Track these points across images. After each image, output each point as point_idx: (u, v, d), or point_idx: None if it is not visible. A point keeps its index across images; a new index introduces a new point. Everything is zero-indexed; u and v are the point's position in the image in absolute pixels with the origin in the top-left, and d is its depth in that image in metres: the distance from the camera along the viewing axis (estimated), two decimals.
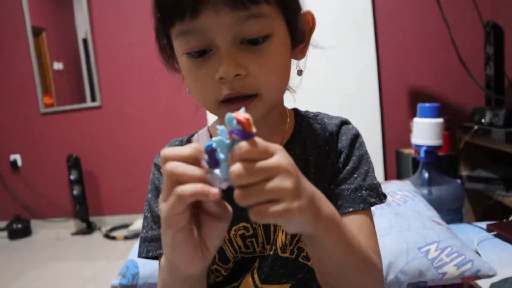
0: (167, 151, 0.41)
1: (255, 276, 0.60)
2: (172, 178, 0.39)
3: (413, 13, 2.89)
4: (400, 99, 2.98)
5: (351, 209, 0.58)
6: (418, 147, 2.12)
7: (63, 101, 3.45)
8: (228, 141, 0.38)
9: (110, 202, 3.50)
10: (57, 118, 3.43)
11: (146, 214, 0.63)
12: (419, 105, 2.12)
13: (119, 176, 3.43)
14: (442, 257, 0.99)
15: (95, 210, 3.48)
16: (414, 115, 2.20)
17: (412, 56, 2.93)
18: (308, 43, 0.61)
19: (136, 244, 1.18)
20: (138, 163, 3.35)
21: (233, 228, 0.60)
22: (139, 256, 0.61)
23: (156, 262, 0.61)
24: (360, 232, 0.56)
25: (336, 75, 2.49)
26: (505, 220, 1.48)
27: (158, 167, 0.65)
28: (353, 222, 0.57)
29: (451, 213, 2.10)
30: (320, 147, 0.61)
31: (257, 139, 0.38)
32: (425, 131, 2.07)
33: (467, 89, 2.67)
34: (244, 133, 0.37)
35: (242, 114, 0.38)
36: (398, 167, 2.91)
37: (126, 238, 3.06)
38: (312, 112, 0.68)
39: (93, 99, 3.37)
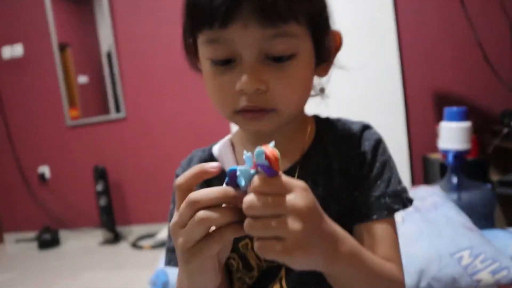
0: (196, 195, 0.42)
1: (283, 284, 0.59)
2: (204, 224, 0.41)
3: (436, 14, 2.83)
4: (425, 103, 2.93)
5: (375, 217, 0.57)
6: (445, 151, 2.08)
7: (88, 113, 3.53)
8: (252, 171, 0.40)
9: (136, 212, 3.54)
10: (83, 130, 3.51)
11: (169, 225, 0.63)
12: (446, 109, 2.08)
13: (145, 186, 3.47)
14: (476, 264, 0.97)
15: (122, 220, 3.53)
16: (440, 119, 2.16)
17: (437, 58, 2.87)
18: (332, 62, 0.61)
19: (163, 253, 1.19)
20: (163, 172, 3.39)
21: None
22: (165, 264, 0.62)
23: None
24: (383, 242, 0.56)
25: (359, 79, 2.47)
26: None
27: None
28: (376, 231, 0.57)
29: (482, 218, 2.04)
30: (343, 154, 0.60)
31: (282, 176, 0.39)
32: (452, 135, 2.03)
33: (495, 91, 2.60)
34: (270, 169, 0.39)
35: (271, 150, 0.39)
36: (425, 173, 2.86)
37: (152, 247, 3.09)
38: (333, 118, 0.67)
39: (118, 110, 3.44)
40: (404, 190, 0.61)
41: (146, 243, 3.21)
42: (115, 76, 3.38)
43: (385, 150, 0.62)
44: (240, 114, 0.54)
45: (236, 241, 0.59)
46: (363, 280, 0.49)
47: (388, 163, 0.61)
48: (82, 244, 3.44)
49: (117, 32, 3.33)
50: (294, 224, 0.38)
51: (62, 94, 3.48)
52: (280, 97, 0.52)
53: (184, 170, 0.64)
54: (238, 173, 0.40)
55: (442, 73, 2.88)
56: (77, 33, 3.59)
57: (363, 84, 2.48)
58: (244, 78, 0.50)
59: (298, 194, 0.39)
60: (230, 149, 0.65)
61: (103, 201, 3.37)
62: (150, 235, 3.34)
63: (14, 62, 3.53)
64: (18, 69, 3.54)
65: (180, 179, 0.44)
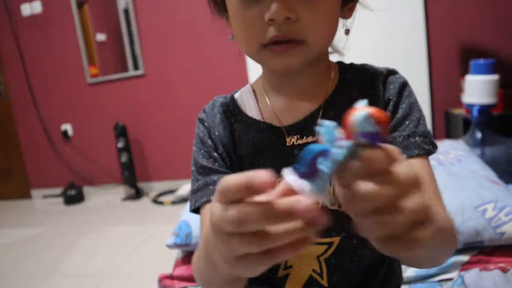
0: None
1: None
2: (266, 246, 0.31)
3: None
4: (450, 56, 2.82)
5: (404, 156, 0.55)
6: (470, 106, 2.02)
7: (107, 71, 3.53)
8: (347, 144, 0.29)
9: (156, 169, 3.60)
10: (103, 87, 3.53)
11: (192, 168, 0.63)
12: (472, 62, 2.00)
13: (164, 143, 3.51)
14: (500, 217, 0.95)
15: (143, 176, 3.60)
16: (465, 73, 2.07)
17: (463, 8, 2.73)
18: (356, 2, 0.59)
19: (186, 207, 1.21)
20: (183, 129, 3.41)
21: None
22: (191, 209, 0.61)
23: None
24: (424, 180, 0.53)
25: (382, 31, 2.39)
26: None
27: (202, 121, 0.65)
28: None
29: (506, 173, 2.00)
30: (367, 97, 0.58)
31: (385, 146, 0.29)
32: (478, 89, 1.96)
33: None
34: (380, 137, 0.28)
35: (378, 110, 0.28)
36: (447, 128, 2.79)
37: (173, 203, 3.16)
38: (357, 64, 0.65)
39: (136, 67, 3.43)
40: (432, 135, 0.59)
41: (166, 198, 3.28)
42: (133, 34, 3.35)
43: (411, 93, 0.61)
44: (268, 48, 0.52)
45: None
46: (437, 243, 0.44)
47: (415, 105, 0.59)
48: (105, 200, 3.54)
49: None
50: (423, 199, 0.30)
51: (82, 52, 3.47)
52: (309, 27, 0.51)
53: (208, 116, 0.64)
54: (331, 150, 0.29)
55: (469, 25, 2.75)
56: None
57: (385, 33, 2.40)
58: (274, 6, 0.48)
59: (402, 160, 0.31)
60: (252, 95, 0.64)
61: (124, 158, 3.43)
62: (171, 191, 3.41)
63: (33, 19, 3.52)
64: (37, 27, 3.53)
65: (225, 187, 0.31)
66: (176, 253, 1.14)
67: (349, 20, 0.60)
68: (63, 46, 3.53)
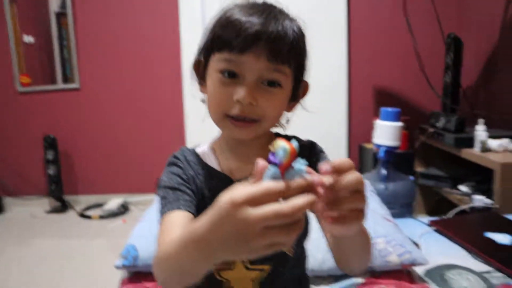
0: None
1: (245, 259, 0.77)
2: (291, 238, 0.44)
3: (384, 22, 3.12)
4: (366, 98, 3.22)
5: None
6: (378, 146, 2.35)
7: (40, 81, 3.46)
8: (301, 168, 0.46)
9: (85, 182, 3.59)
10: (35, 97, 3.46)
11: (161, 194, 0.75)
12: (382, 109, 2.34)
13: (96, 157, 3.53)
14: (387, 248, 1.21)
15: (70, 189, 3.56)
16: (378, 113, 2.41)
17: (380, 60, 3.17)
18: (298, 102, 0.81)
19: (132, 228, 1.33)
20: (115, 145, 3.46)
21: None
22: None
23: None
24: None
25: (309, 69, 2.68)
26: (444, 217, 1.72)
27: (176, 163, 0.79)
28: None
29: (404, 206, 2.35)
30: None
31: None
32: (385, 133, 2.29)
33: (427, 94, 2.92)
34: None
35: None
36: (360, 159, 3.15)
37: (101, 217, 3.18)
38: (289, 135, 0.86)
39: (66, 77, 3.40)
40: None
41: (94, 213, 3.29)
42: (70, 42, 3.32)
43: (326, 157, 0.82)
44: (229, 119, 0.71)
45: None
46: (362, 238, 0.66)
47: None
48: (28, 212, 3.45)
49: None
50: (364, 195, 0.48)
51: (13, 55, 3.35)
52: (265, 112, 0.71)
53: (181, 160, 0.80)
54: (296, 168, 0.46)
55: (383, 74, 3.19)
56: None
57: (312, 71, 2.69)
58: (243, 92, 0.68)
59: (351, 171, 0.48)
60: (213, 153, 0.82)
61: (52, 170, 3.39)
62: (98, 205, 3.42)
63: None
64: None
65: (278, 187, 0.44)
66: (113, 269, 1.25)
67: (289, 114, 0.82)
68: None
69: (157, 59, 3.31)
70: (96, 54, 3.37)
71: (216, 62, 0.71)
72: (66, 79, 3.42)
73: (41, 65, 3.46)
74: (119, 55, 3.35)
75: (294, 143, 0.46)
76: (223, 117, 0.72)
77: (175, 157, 0.81)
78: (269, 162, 0.46)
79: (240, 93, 0.68)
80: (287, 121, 0.82)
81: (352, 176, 0.46)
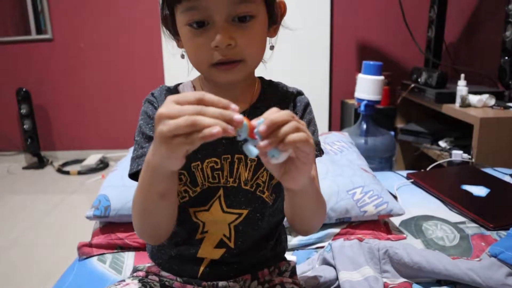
0: (211, 97, 0.51)
1: (222, 202, 0.76)
2: (196, 127, 0.48)
3: None
4: (348, 53, 3.16)
5: None
6: (359, 100, 2.33)
7: (7, 31, 3.31)
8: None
9: (62, 137, 3.52)
10: (4, 49, 3.32)
11: (136, 139, 0.75)
12: (364, 62, 2.30)
13: (72, 112, 3.44)
14: (365, 199, 1.21)
15: (47, 145, 3.50)
16: (360, 68, 2.38)
17: (364, 13, 3.08)
18: (279, 24, 0.77)
19: (98, 179, 1.30)
20: (91, 99, 3.37)
21: (206, 161, 0.74)
22: (132, 171, 0.73)
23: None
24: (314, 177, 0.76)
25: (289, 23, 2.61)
26: (422, 170, 1.73)
27: (152, 102, 0.77)
28: None
29: (383, 161, 2.37)
30: (281, 109, 0.77)
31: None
32: (367, 86, 2.27)
33: (409, 49, 2.88)
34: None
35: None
36: (342, 115, 3.15)
37: (80, 173, 3.14)
38: (275, 81, 0.84)
39: (39, 28, 3.27)
40: (320, 143, 0.80)
41: (73, 168, 3.25)
42: None
43: (311, 111, 0.81)
44: (215, 67, 0.68)
45: (189, 161, 0.73)
46: (314, 197, 0.69)
47: (313, 121, 0.80)
48: (4, 167, 3.39)
49: None
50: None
51: None
52: (246, 49, 0.67)
53: (158, 99, 0.77)
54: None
55: (367, 28, 3.11)
56: None
57: (294, 32, 2.62)
58: (218, 36, 0.64)
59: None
60: (191, 89, 0.79)
61: (27, 125, 3.31)
62: (77, 161, 3.38)
63: None
64: None
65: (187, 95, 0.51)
66: (90, 223, 1.24)
67: (274, 38, 0.78)
68: None
69: (135, 9, 3.17)
70: (69, 3, 3.21)
71: (181, 15, 0.67)
72: (40, 31, 3.27)
73: (12, 16, 3.30)
74: (94, 4, 3.20)
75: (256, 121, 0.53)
76: (208, 68, 0.69)
77: (152, 94, 0.79)
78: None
79: (215, 38, 0.64)
80: (272, 47, 0.78)
81: (286, 127, 0.53)
